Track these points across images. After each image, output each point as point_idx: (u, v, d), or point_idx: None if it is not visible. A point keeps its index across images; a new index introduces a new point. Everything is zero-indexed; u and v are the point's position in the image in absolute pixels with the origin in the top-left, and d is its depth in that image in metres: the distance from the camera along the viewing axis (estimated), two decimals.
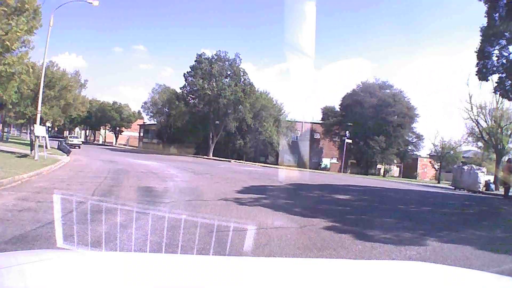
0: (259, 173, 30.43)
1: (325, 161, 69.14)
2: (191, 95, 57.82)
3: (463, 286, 2.23)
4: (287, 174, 32.71)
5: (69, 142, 46.79)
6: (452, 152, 62.52)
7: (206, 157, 55.03)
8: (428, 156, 68.85)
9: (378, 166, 69.12)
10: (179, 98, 60.19)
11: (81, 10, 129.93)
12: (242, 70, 57.38)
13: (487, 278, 2.58)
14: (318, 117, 69.74)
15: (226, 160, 51.37)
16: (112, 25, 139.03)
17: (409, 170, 71.11)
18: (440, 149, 61.91)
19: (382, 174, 62.54)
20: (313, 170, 53.79)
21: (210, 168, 31.51)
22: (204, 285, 1.93)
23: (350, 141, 54.82)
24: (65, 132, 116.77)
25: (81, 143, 56.92)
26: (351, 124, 59.92)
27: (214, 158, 54.42)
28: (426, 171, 78.87)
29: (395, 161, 61.80)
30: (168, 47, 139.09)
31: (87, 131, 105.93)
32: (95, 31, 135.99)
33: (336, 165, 69.34)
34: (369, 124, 58.01)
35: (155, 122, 72.80)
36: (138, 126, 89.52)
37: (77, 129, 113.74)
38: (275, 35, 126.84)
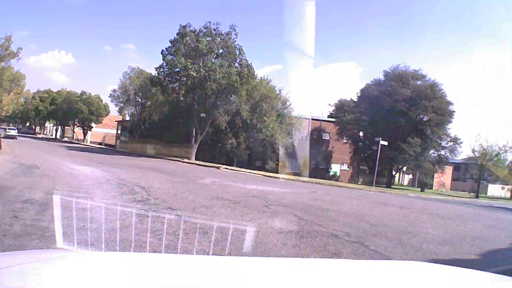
0: (281, 199, 15.61)
1: (334, 168, 56.08)
2: (169, 79, 43.28)
3: (463, 286, 2.25)
4: (323, 197, 18.69)
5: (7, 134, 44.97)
6: (495, 159, 50.14)
7: (187, 160, 41.34)
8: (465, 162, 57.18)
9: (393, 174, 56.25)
10: (154, 82, 45.13)
11: (72, 8, 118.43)
12: (238, 47, 42.80)
13: (487, 278, 2.65)
14: (327, 113, 57.47)
15: (213, 166, 37.68)
16: (102, 24, 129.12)
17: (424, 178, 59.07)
18: (479, 156, 49.17)
19: (419, 188, 49.25)
20: (324, 181, 40.65)
21: (185, 185, 17.00)
22: (204, 285, 1.91)
23: (385, 143, 39.62)
24: (36, 128, 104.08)
25: (16, 134, 55.75)
26: (366, 121, 46.84)
27: (198, 162, 40.48)
28: (443, 180, 67.68)
29: (433, 169, 48.53)
30: (158, 47, 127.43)
31: (58, 126, 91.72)
32: (85, 29, 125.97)
33: (347, 172, 56.68)
34: (401, 122, 44.88)
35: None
36: (116, 122, 75.56)
37: (48, 124, 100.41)
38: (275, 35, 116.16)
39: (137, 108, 54.25)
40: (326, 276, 2.28)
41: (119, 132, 73.81)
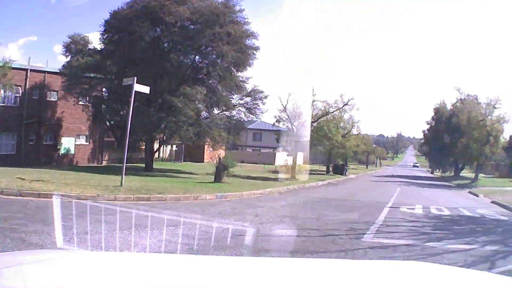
0: None
1: (67, 143, 35.78)
2: None
3: (463, 286, 2.20)
4: None
5: None
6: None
7: None
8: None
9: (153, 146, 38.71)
10: None
11: None
12: None
13: (487, 278, 2.59)
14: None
15: None
16: None
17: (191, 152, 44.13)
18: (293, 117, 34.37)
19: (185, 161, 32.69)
20: (48, 173, 21.75)
21: None
22: (204, 285, 1.91)
23: (146, 90, 18.58)
24: None
25: None
26: (113, 69, 28.97)
27: None
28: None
29: (225, 138, 31.40)
30: None
31: None
32: None
33: (85, 148, 37.79)
34: (178, 63, 28.36)
35: None
36: None
37: None
38: None
39: None
40: (326, 276, 2.25)
41: None
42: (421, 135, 75.44)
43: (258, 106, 31.03)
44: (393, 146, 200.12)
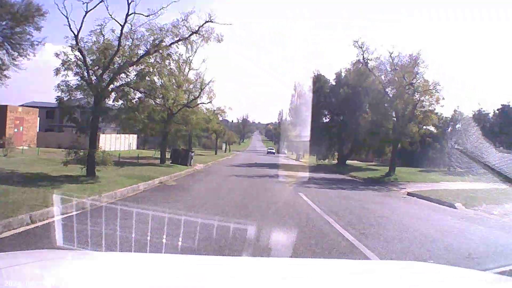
0: None
1: None
2: None
3: (463, 286, 2.15)
4: None
5: None
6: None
7: None
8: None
9: None
10: None
11: None
12: None
13: (487, 278, 2.53)
14: None
15: None
16: None
17: None
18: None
19: None
20: None
21: None
22: (204, 285, 1.86)
23: None
24: None
25: None
26: None
27: None
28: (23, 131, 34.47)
29: None
30: None
31: None
32: None
33: None
34: None
35: None
36: None
37: None
38: None
39: None
40: (326, 276, 2.20)
41: None
42: (268, 120, 59.21)
43: (30, 34, 15.28)
44: (239, 131, 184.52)
